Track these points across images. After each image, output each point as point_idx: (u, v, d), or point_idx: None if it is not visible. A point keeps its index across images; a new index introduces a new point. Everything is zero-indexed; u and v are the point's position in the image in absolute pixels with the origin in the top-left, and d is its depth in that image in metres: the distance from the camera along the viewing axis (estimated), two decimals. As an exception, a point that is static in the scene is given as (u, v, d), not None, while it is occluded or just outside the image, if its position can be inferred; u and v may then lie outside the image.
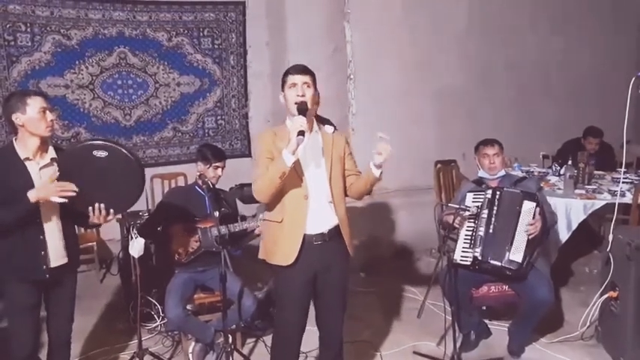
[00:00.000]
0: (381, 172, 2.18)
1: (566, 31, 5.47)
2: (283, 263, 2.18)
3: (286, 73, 2.18)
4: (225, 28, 4.79)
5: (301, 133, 1.98)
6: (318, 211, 2.18)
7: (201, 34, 4.72)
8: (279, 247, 2.19)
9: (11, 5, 4.06)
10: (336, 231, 2.23)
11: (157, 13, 4.53)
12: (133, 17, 4.46)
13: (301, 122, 2.01)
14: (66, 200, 2.10)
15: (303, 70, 2.17)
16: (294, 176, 2.10)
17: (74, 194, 2.09)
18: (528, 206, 2.79)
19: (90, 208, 2.17)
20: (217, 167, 2.94)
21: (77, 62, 4.35)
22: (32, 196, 2.11)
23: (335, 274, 2.26)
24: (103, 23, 4.38)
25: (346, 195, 2.31)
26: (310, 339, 2.50)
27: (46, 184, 2.14)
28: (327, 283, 2.26)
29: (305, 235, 2.17)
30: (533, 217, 2.78)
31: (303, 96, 2.11)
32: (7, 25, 4.08)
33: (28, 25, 4.16)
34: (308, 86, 2.14)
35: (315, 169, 2.19)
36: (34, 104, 2.15)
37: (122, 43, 4.46)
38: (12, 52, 4.13)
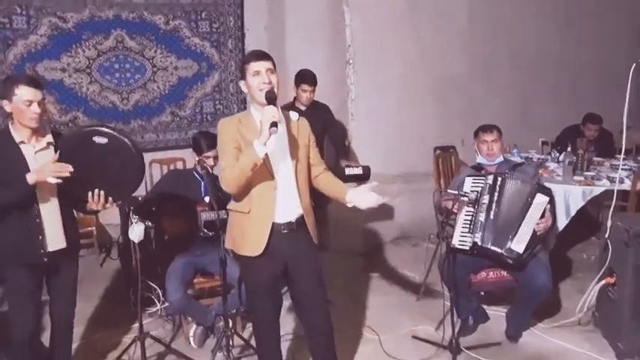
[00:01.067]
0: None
1: (567, 19, 5.43)
2: (252, 254, 2.14)
3: (247, 61, 2.10)
4: (223, 12, 4.73)
5: (274, 124, 1.92)
6: (285, 201, 2.14)
7: (199, 17, 4.66)
8: (248, 238, 2.15)
9: (6, -13, 4.00)
10: (302, 220, 2.20)
11: (154, -4, 4.47)
12: (130, 0, 4.40)
13: (274, 113, 1.94)
14: (60, 181, 2.09)
15: (264, 55, 2.10)
16: (262, 167, 2.03)
17: (68, 175, 2.07)
18: (541, 199, 2.78)
19: (90, 193, 2.16)
20: (208, 157, 2.91)
21: (74, 45, 4.30)
22: (30, 178, 2.10)
23: (306, 262, 2.23)
24: (100, 6, 4.32)
25: (311, 185, 2.27)
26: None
27: (44, 165, 2.13)
28: (299, 271, 2.23)
29: (273, 223, 2.13)
30: (544, 213, 2.77)
31: (269, 83, 2.04)
32: (3, 8, 4.02)
33: (24, 7, 4.10)
34: (271, 72, 2.07)
35: (282, 159, 2.13)
36: (21, 94, 2.11)
37: (119, 26, 4.40)
38: (8, 35, 4.07)
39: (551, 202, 2.85)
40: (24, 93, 2.11)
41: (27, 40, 4.14)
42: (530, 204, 2.79)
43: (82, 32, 4.30)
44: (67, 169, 2.07)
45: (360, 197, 2.14)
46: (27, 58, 4.16)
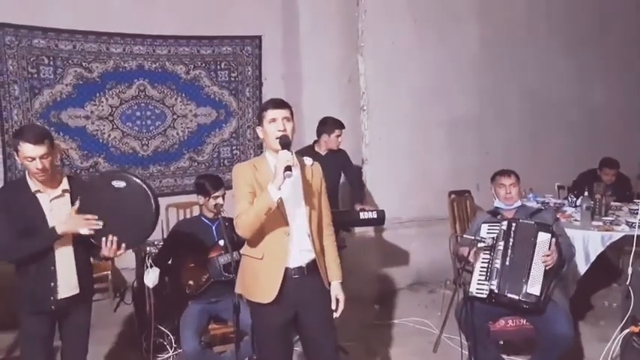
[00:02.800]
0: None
1: (581, 62, 5.49)
2: (264, 301, 2.13)
3: (264, 108, 2.16)
4: (242, 62, 4.91)
5: (288, 168, 1.96)
6: (298, 246, 2.15)
7: (219, 67, 4.83)
8: (260, 283, 2.15)
9: (36, 40, 4.21)
10: (313, 265, 2.20)
11: (175, 47, 4.66)
12: (153, 51, 4.59)
13: (288, 157, 1.98)
14: (93, 232, 2.12)
15: (282, 104, 2.16)
16: (276, 212, 2.05)
17: (100, 227, 2.11)
18: (543, 238, 2.77)
19: (103, 239, 2.17)
20: (217, 197, 2.95)
21: (98, 94, 4.46)
22: (60, 229, 2.14)
23: (317, 307, 2.22)
24: (124, 57, 4.51)
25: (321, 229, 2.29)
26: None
27: (72, 217, 2.16)
28: (310, 319, 2.21)
29: (286, 269, 2.13)
30: (549, 248, 2.75)
31: (284, 130, 2.10)
32: (32, 59, 4.22)
33: (51, 58, 4.30)
34: (288, 120, 2.12)
35: (296, 204, 2.15)
36: (23, 151, 2.12)
37: (142, 76, 4.58)
38: (35, 84, 4.26)
39: (555, 237, 2.82)
40: (25, 149, 2.11)
41: (53, 89, 4.31)
42: (535, 244, 2.77)
43: (106, 82, 4.47)
44: (99, 222, 2.11)
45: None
46: (52, 107, 4.32)
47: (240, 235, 2.13)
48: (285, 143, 2.05)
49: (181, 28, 4.62)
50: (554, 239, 2.78)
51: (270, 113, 2.13)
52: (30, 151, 2.11)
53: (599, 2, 5.60)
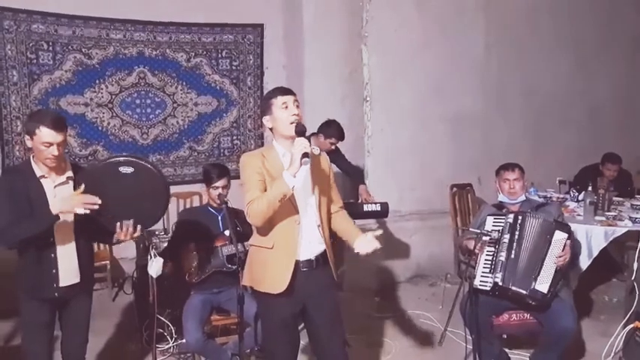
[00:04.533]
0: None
1: (584, 57, 5.47)
2: (273, 291, 2.09)
3: (272, 96, 2.11)
4: (244, 50, 4.85)
5: (306, 154, 1.93)
6: (308, 237, 2.13)
7: (220, 55, 4.77)
8: (270, 274, 2.11)
9: (35, 24, 4.14)
10: (322, 257, 2.18)
11: (176, 34, 4.59)
12: (154, 38, 4.53)
13: (305, 144, 1.95)
14: (88, 211, 2.08)
15: (290, 90, 2.13)
16: (287, 200, 2.01)
17: (97, 207, 2.07)
18: (559, 237, 2.74)
19: (117, 224, 2.14)
20: (217, 187, 2.92)
21: (97, 81, 4.40)
22: (55, 208, 2.09)
23: (325, 300, 2.20)
24: (124, 43, 4.44)
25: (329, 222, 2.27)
26: None
27: (68, 196, 2.12)
28: (318, 312, 2.18)
29: (296, 261, 2.11)
30: (563, 248, 2.73)
31: (298, 115, 2.06)
32: (30, 44, 4.15)
33: (51, 43, 4.23)
34: (298, 106, 2.10)
35: (306, 193, 2.13)
36: (41, 136, 2.10)
37: (142, 63, 4.52)
38: (34, 70, 4.19)
39: (571, 237, 2.80)
40: (44, 134, 2.09)
41: (52, 75, 4.25)
42: (550, 242, 2.75)
43: (106, 68, 4.41)
44: (96, 201, 2.06)
45: (362, 247, 2.16)
46: (51, 93, 4.26)
47: (252, 224, 2.10)
48: (301, 131, 2.02)
49: (183, 15, 4.56)
50: (569, 241, 2.76)
51: (281, 99, 2.08)
52: (50, 136, 2.10)
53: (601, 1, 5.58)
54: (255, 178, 2.07)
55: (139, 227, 2.17)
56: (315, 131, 3.83)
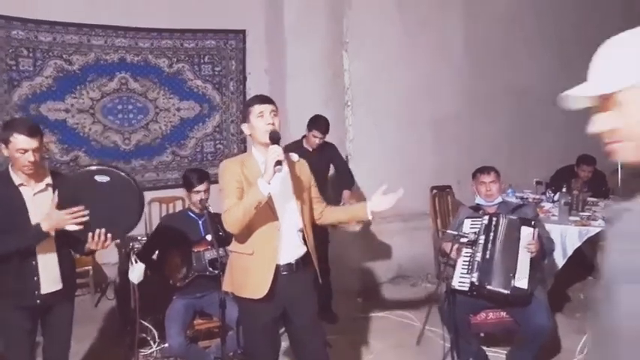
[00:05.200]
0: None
1: (563, 59, 5.59)
2: (254, 297, 2.13)
3: (250, 104, 2.17)
4: (226, 55, 4.88)
5: (279, 162, 1.97)
6: (287, 242, 2.17)
7: (202, 60, 4.80)
8: (251, 279, 2.15)
9: (14, 31, 4.12)
10: (303, 261, 2.22)
11: (158, 40, 4.61)
12: (135, 44, 4.54)
13: (278, 152, 1.99)
14: (82, 227, 2.09)
15: (268, 99, 2.18)
16: (265, 207, 2.05)
17: (87, 219, 2.08)
18: (526, 232, 2.84)
19: (90, 234, 2.14)
20: (198, 192, 2.96)
21: (78, 87, 4.39)
22: (45, 226, 2.10)
23: (305, 303, 2.24)
24: (105, 49, 4.44)
25: (314, 222, 2.32)
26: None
27: (53, 212, 2.12)
28: (298, 315, 2.22)
29: (276, 265, 2.14)
30: (533, 239, 2.82)
31: (273, 124, 2.11)
32: (10, 50, 4.13)
33: (31, 50, 4.22)
34: (275, 115, 2.14)
35: (286, 199, 2.18)
36: (15, 143, 2.11)
37: (123, 68, 4.52)
38: (14, 76, 4.17)
39: (537, 230, 2.89)
40: (19, 141, 2.10)
41: (32, 81, 4.23)
42: (519, 238, 2.84)
43: (87, 74, 4.40)
44: (82, 213, 2.07)
45: (378, 204, 2.20)
46: (31, 99, 4.24)
47: (229, 231, 2.13)
48: (275, 138, 2.06)
49: (164, 21, 4.57)
50: (536, 230, 2.86)
51: (258, 108, 2.13)
52: (24, 143, 2.11)
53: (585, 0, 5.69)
54: (233, 185, 2.10)
55: (109, 236, 2.17)
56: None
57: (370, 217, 2.24)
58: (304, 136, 3.85)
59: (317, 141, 3.74)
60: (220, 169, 2.18)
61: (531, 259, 2.82)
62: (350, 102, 4.70)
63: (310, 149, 3.73)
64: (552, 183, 4.72)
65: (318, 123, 3.74)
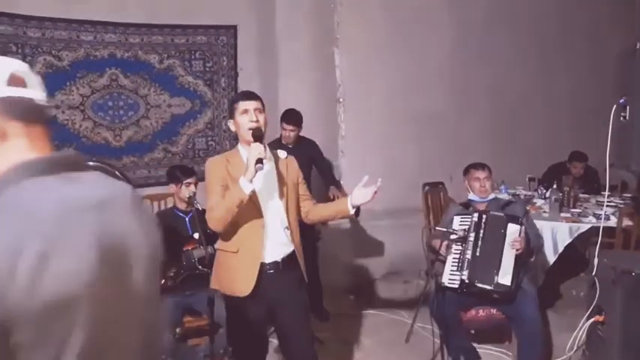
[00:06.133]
0: (357, 210, 2.19)
1: (547, 57, 5.60)
2: (239, 294, 2.12)
3: (236, 100, 2.15)
4: (217, 52, 4.85)
5: (260, 160, 1.94)
6: (273, 240, 2.15)
7: (193, 56, 4.76)
8: (235, 276, 2.14)
9: (2, 26, 4.07)
10: (290, 258, 2.20)
11: (149, 36, 4.56)
12: (125, 39, 4.50)
13: (260, 150, 1.97)
14: None
15: (253, 95, 2.16)
16: (250, 204, 2.04)
17: None
18: (512, 229, 2.84)
19: None
20: (189, 184, 2.94)
21: (68, 83, 4.35)
22: None
23: (292, 303, 2.22)
24: (95, 45, 4.40)
25: (300, 220, 2.30)
26: None
27: None
28: (285, 313, 2.21)
29: (261, 263, 2.13)
30: (519, 236, 2.82)
31: (257, 122, 2.09)
32: (-1, 46, 4.09)
33: (19, 45, 4.17)
34: (260, 112, 2.12)
35: (271, 197, 2.16)
36: None
37: (114, 64, 4.48)
38: (2, 72, 4.12)
39: (523, 228, 2.89)
40: None
41: (21, 77, 4.18)
42: (505, 235, 2.84)
43: (76, 70, 4.35)
44: None
45: (359, 197, 2.16)
46: (21, 96, 4.19)
47: (213, 230, 2.13)
48: (257, 135, 2.04)
49: (154, 17, 4.53)
50: (522, 228, 2.86)
51: (242, 105, 2.12)
52: None
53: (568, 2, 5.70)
54: (217, 184, 2.09)
55: None
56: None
57: (352, 212, 2.20)
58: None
59: (289, 134, 3.65)
60: (205, 168, 2.17)
61: (517, 257, 2.82)
62: (342, 98, 4.68)
63: (289, 146, 3.66)
64: (544, 179, 4.73)
65: (287, 115, 3.68)
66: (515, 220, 2.89)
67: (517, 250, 2.81)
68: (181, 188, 2.96)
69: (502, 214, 2.94)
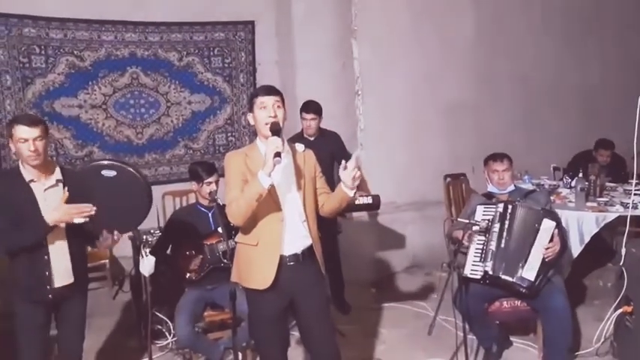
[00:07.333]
0: (355, 192, 2.15)
1: (575, 43, 5.47)
2: (259, 287, 2.14)
3: (255, 95, 2.16)
4: (235, 47, 4.87)
5: (278, 154, 1.94)
6: (292, 232, 2.15)
7: (212, 53, 4.80)
8: (255, 270, 2.15)
9: (26, 29, 4.17)
10: (309, 252, 2.20)
11: (168, 34, 4.62)
12: (145, 38, 4.56)
13: (277, 143, 1.97)
14: (87, 220, 2.12)
15: (272, 90, 2.16)
16: (269, 198, 2.05)
17: (93, 213, 2.11)
18: (547, 225, 2.76)
19: (104, 230, 2.20)
20: (210, 183, 2.96)
21: (90, 83, 4.44)
22: (51, 219, 2.13)
23: (313, 294, 2.22)
24: (116, 44, 4.47)
25: (318, 214, 2.28)
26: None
27: (61, 206, 2.15)
28: (306, 305, 2.21)
29: (281, 256, 2.14)
30: (552, 238, 2.75)
31: (275, 117, 2.09)
32: (22, 48, 4.18)
33: (43, 47, 4.26)
34: (279, 107, 2.12)
35: (289, 190, 2.16)
36: (16, 134, 2.15)
37: (134, 63, 4.55)
38: (27, 74, 4.23)
39: (559, 226, 2.82)
40: (19, 131, 2.14)
41: (45, 78, 4.28)
42: (538, 230, 2.77)
43: (98, 70, 4.44)
44: (89, 208, 2.10)
45: (344, 176, 2.10)
46: (45, 96, 4.29)
47: (233, 223, 2.14)
48: (275, 130, 2.05)
49: (173, 15, 4.58)
50: (557, 230, 2.78)
51: (261, 100, 2.12)
52: (24, 132, 2.14)
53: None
54: (237, 178, 2.10)
55: (116, 234, 2.23)
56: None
57: (351, 194, 2.14)
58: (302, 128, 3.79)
59: (310, 124, 3.62)
60: (225, 162, 2.18)
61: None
62: (360, 91, 4.65)
63: (311, 139, 3.65)
64: (570, 168, 4.63)
65: (306, 105, 3.64)
66: (552, 216, 2.80)
67: (547, 257, 2.74)
68: (202, 187, 2.98)
69: (539, 208, 2.86)
